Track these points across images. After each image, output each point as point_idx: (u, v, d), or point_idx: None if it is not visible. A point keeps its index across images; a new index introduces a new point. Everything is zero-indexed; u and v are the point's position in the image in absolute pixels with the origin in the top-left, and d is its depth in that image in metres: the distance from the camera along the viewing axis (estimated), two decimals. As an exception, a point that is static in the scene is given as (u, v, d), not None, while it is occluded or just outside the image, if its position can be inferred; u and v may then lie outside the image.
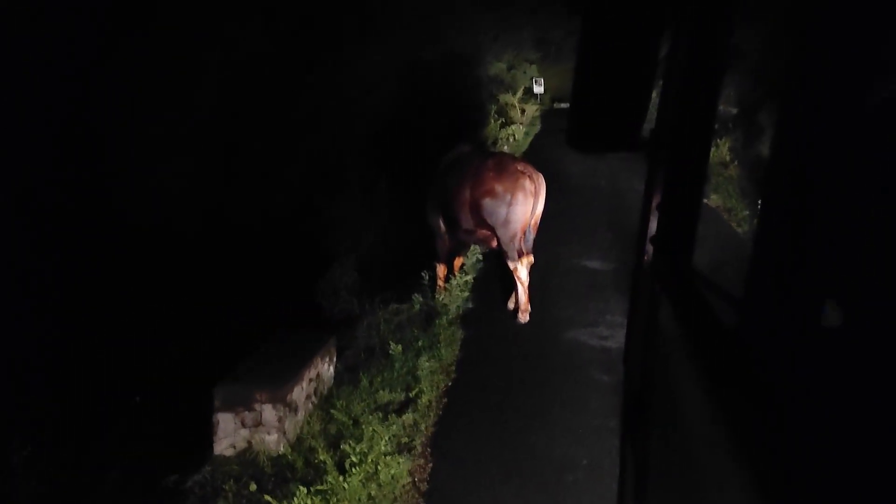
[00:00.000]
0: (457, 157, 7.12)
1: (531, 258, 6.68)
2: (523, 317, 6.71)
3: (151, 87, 8.53)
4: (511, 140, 15.43)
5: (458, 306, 6.77)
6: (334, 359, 5.51)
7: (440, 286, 7.06)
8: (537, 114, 18.38)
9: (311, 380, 4.96)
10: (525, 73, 20.67)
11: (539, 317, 6.65)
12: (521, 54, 21.68)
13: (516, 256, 6.47)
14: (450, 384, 5.56)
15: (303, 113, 9.77)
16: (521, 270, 6.56)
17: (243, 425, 4.51)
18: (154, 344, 6.48)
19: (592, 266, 7.99)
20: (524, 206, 6.29)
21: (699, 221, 1.49)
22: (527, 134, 16.69)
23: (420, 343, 6.03)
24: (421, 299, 6.85)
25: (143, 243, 7.66)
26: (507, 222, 6.31)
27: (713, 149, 13.12)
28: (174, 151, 8.75)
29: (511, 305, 6.80)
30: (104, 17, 8.03)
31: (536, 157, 14.68)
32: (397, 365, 5.68)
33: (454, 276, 7.10)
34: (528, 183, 6.29)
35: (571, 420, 5.00)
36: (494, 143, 14.76)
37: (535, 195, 6.35)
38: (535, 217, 6.50)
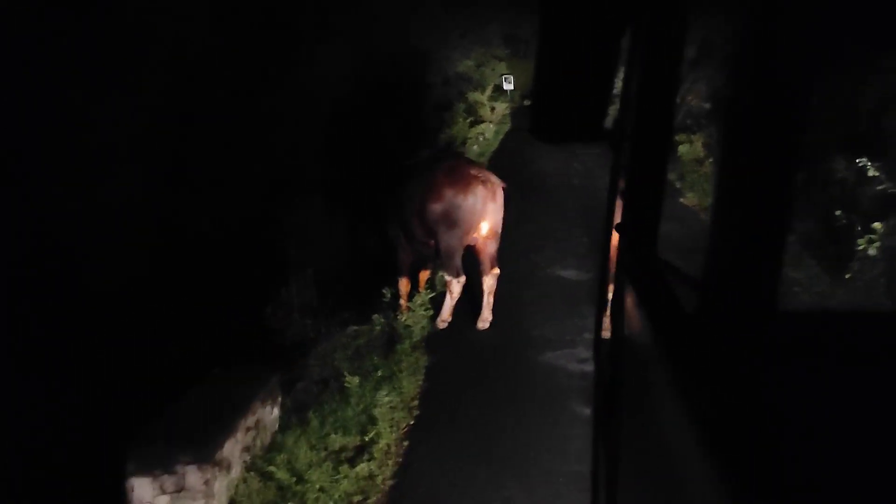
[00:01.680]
0: (415, 164, 6.38)
1: (496, 270, 5.94)
2: (482, 324, 6.05)
3: (87, 89, 7.63)
4: (481, 139, 14.65)
5: (423, 327, 5.97)
6: (279, 399, 4.69)
7: (402, 305, 6.27)
8: (507, 111, 17.59)
9: (248, 429, 4.14)
10: (494, 70, 19.87)
11: (511, 336, 5.88)
12: (490, 51, 20.89)
13: (455, 270, 5.76)
14: (412, 423, 4.75)
15: (258, 114, 8.90)
16: (456, 286, 5.93)
17: (163, 492, 3.67)
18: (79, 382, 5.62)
19: (568, 276, 7.21)
20: (472, 212, 5.59)
21: (662, 208, 1.47)
22: (497, 132, 15.91)
23: (379, 373, 5.23)
24: (382, 320, 6.05)
25: (78, 263, 6.78)
26: (450, 227, 5.60)
27: (687, 146, 12.47)
28: (116, 159, 7.85)
29: (480, 325, 6.02)
30: (29, 10, 7.10)
31: (507, 155, 13.92)
32: (353, 401, 4.87)
33: (419, 292, 6.31)
34: (480, 188, 5.58)
35: (550, 466, 4.22)
36: (464, 142, 13.97)
37: (489, 201, 5.63)
38: (492, 226, 5.78)
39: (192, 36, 8.66)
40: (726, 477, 0.73)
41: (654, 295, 1.24)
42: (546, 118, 1.58)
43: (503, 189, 5.80)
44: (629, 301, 1.48)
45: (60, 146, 7.50)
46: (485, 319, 6.00)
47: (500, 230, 5.87)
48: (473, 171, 5.65)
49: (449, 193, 5.56)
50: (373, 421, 4.58)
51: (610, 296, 1.82)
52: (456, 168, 5.70)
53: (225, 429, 3.91)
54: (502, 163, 13.02)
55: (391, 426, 4.62)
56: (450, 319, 6.06)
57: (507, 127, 16.73)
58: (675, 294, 1.15)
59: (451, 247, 5.70)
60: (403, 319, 5.95)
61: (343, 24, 11.14)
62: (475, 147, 13.95)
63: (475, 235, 5.76)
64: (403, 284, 6.39)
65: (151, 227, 7.82)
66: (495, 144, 15.03)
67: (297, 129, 9.37)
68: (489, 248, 5.85)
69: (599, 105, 1.47)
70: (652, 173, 1.49)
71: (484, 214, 5.65)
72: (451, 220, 5.59)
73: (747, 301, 0.89)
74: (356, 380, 5.02)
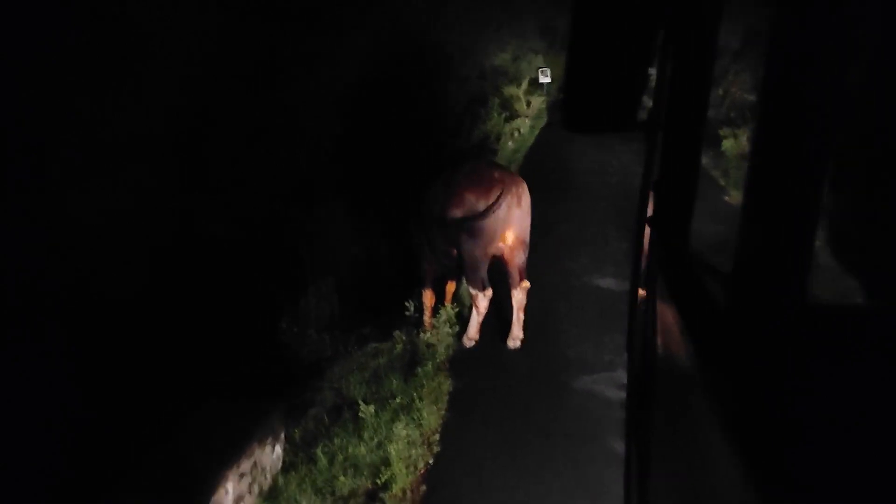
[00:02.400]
0: (440, 165, 5.82)
1: (526, 283, 5.34)
2: (513, 342, 5.46)
3: (99, 87, 7.21)
4: (516, 135, 13.99)
5: (448, 346, 5.40)
6: (282, 435, 4.16)
7: (426, 320, 5.72)
8: (543, 105, 16.86)
9: (242, 475, 3.62)
10: (530, 63, 19.14)
11: (544, 356, 5.29)
12: (526, 44, 20.18)
13: (479, 283, 5.19)
14: (431, 462, 4.20)
15: (278, 112, 8.40)
16: (482, 301, 5.34)
17: (141, 553, 3.19)
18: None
19: (605, 285, 6.57)
20: (495, 219, 5.01)
21: (695, 200, 1.39)
22: (533, 128, 15.21)
23: (398, 400, 4.69)
24: (403, 337, 5.50)
25: (84, 269, 6.36)
26: (471, 236, 5.04)
27: (732, 140, 11.69)
28: (128, 159, 7.42)
29: (511, 344, 5.43)
30: (40, 7, 6.68)
31: (542, 151, 13.26)
32: (367, 434, 4.33)
33: (444, 306, 5.74)
34: (500, 192, 4.99)
35: (585, 517, 3.66)
36: (499, 138, 13.34)
37: (514, 208, 5.07)
38: (518, 235, 5.20)
39: (209, 31, 8.20)
40: (755, 475, 0.72)
41: (685, 289, 1.21)
42: (578, 109, 1.52)
43: (529, 194, 5.22)
44: (660, 296, 1.42)
45: (71, 146, 7.12)
46: (515, 338, 5.42)
47: (527, 239, 5.27)
48: (497, 175, 5.07)
49: (470, 199, 5.00)
50: (387, 461, 4.03)
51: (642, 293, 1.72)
52: (478, 171, 5.13)
53: (216, 477, 3.40)
54: (537, 159, 12.38)
55: (408, 466, 4.06)
56: (477, 337, 5.49)
57: (543, 122, 16.03)
58: (706, 289, 1.14)
59: (475, 257, 5.13)
60: (426, 337, 5.40)
61: (371, 16, 10.60)
62: (510, 143, 13.31)
63: (500, 245, 5.18)
64: (428, 297, 5.84)
65: (164, 230, 7.40)
66: (531, 140, 14.35)
67: (319, 127, 8.86)
68: (517, 259, 5.27)
69: (633, 95, 1.42)
70: (685, 165, 1.42)
71: (508, 222, 5.07)
72: (471, 228, 5.03)
73: (778, 295, 0.84)
74: (371, 409, 4.48)
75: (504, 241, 5.15)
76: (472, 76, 16.41)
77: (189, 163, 7.89)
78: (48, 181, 7.03)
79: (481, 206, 4.96)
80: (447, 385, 4.97)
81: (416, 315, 5.74)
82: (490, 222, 4.98)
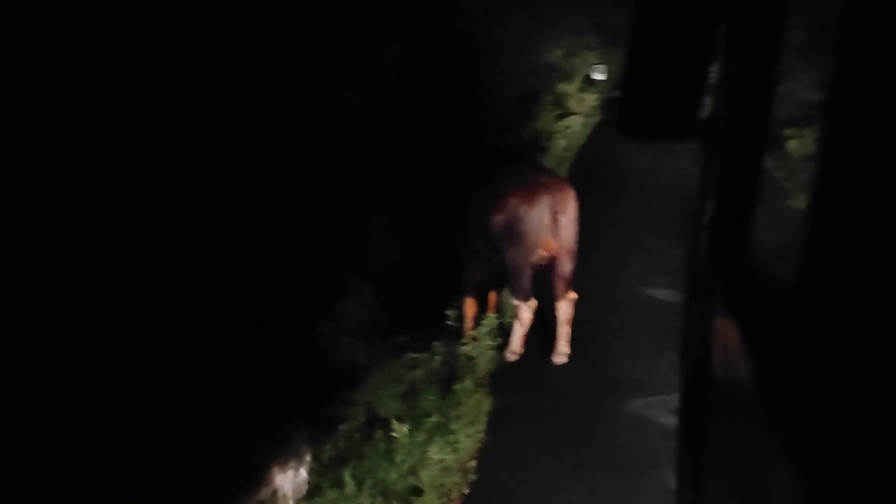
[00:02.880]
0: (484, 165, 5.44)
1: (573, 295, 4.93)
2: (558, 358, 5.05)
3: (145, 83, 7.04)
4: (568, 132, 13.52)
5: (489, 360, 5.04)
6: (307, 457, 3.85)
7: (468, 330, 5.37)
8: (597, 103, 16.33)
9: (261, 503, 3.33)
10: (584, 60, 18.59)
11: (591, 375, 4.88)
12: (581, 40, 19.59)
13: (523, 293, 4.81)
14: (465, 493, 3.84)
15: (322, 109, 8.12)
16: (525, 312, 4.95)
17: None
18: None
19: (660, 296, 6.11)
20: (538, 225, 4.64)
21: (757, 205, 1.28)
22: (585, 125, 14.71)
23: (433, 419, 4.34)
24: (443, 348, 5.16)
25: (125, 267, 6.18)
26: (513, 242, 4.68)
27: (797, 141, 11.02)
28: (173, 157, 7.23)
29: (556, 360, 5.04)
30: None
31: (594, 150, 12.77)
32: (399, 457, 4.00)
33: (486, 316, 5.37)
34: (548, 198, 4.63)
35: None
36: (550, 136, 12.89)
37: (560, 214, 4.67)
38: (564, 243, 4.78)
39: (257, 28, 7.98)
40: (810, 484, 0.71)
41: (744, 301, 1.17)
42: (635, 111, 1.44)
43: (577, 199, 4.82)
44: (719, 306, 1.35)
45: (118, 142, 6.98)
46: (561, 353, 5.02)
47: (574, 247, 4.86)
48: (542, 178, 4.68)
49: (512, 203, 4.63)
50: (419, 490, 3.70)
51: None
52: (522, 173, 4.76)
53: (230, 506, 3.10)
54: (588, 158, 11.92)
55: (440, 497, 3.72)
56: (520, 352, 5.11)
57: (595, 119, 15.50)
58: (767, 300, 1.10)
59: (517, 265, 4.75)
60: (466, 349, 5.04)
61: (419, 10, 10.27)
62: (562, 141, 12.85)
63: (544, 253, 4.79)
64: (469, 306, 5.48)
65: (202, 229, 7.20)
66: (583, 138, 13.87)
67: (365, 125, 8.56)
68: (563, 269, 4.86)
69: (694, 97, 1.34)
70: (746, 167, 1.33)
71: (553, 228, 4.67)
72: (515, 233, 4.66)
73: (839, 307, 0.77)
74: (405, 428, 4.15)
75: (548, 249, 4.76)
76: (523, 72, 15.97)
77: (231, 158, 7.68)
78: (93, 176, 6.89)
79: (523, 211, 4.59)
80: (486, 403, 4.60)
81: (457, 325, 5.38)
82: (532, 228, 4.62)
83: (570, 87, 15.87)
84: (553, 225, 4.64)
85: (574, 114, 14.81)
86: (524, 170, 4.83)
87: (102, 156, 6.75)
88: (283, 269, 6.43)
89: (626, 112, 1.45)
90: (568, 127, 13.76)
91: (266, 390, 4.81)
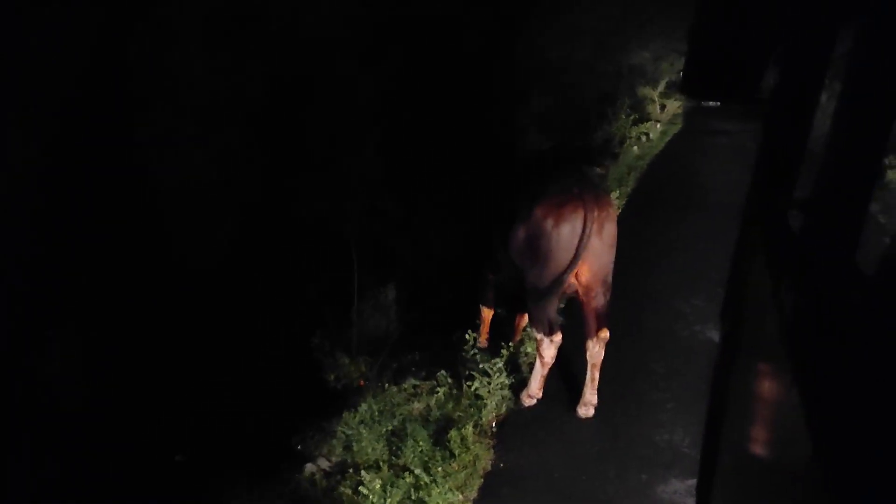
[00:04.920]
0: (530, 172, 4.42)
1: (605, 333, 3.85)
2: (584, 410, 3.99)
3: (195, 47, 6.38)
4: (643, 140, 12.24)
5: (500, 401, 4.04)
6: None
7: (482, 337, 4.53)
8: (680, 111, 14.88)
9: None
10: (672, 65, 17.10)
11: (625, 438, 3.82)
12: (670, 44, 18.09)
13: (545, 325, 3.78)
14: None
15: (386, 93, 7.29)
16: (548, 348, 3.88)
17: None
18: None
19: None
20: (566, 245, 3.61)
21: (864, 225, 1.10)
22: (664, 133, 13.34)
23: (415, 475, 3.39)
24: (449, 380, 4.20)
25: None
26: (535, 262, 3.70)
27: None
28: (217, 124, 6.52)
29: (581, 412, 4.00)
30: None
31: (669, 161, 11.46)
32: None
33: (505, 346, 4.38)
34: (580, 215, 3.59)
35: None
36: (622, 141, 11.69)
37: (593, 235, 3.61)
38: (596, 270, 3.74)
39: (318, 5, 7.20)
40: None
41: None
42: (698, 75, 1.32)
43: (615, 220, 3.78)
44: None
45: (160, 105, 6.35)
46: (587, 404, 3.97)
47: (609, 278, 3.78)
48: (577, 191, 3.64)
49: (537, 215, 3.63)
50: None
51: None
52: (560, 184, 3.73)
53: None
54: (662, 169, 10.64)
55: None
56: (538, 395, 4.09)
57: (677, 128, 14.09)
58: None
59: (539, 290, 3.74)
60: (475, 386, 4.05)
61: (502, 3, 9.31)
62: (635, 148, 11.59)
63: (572, 281, 3.75)
64: (486, 312, 4.60)
65: (248, 207, 6.48)
66: (660, 147, 12.52)
67: (427, 115, 7.63)
68: (595, 301, 3.80)
69: (754, 68, 0.93)
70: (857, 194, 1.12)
71: (584, 252, 3.62)
72: (537, 252, 3.67)
73: None
74: (377, 485, 3.22)
75: (578, 276, 3.73)
76: (607, 72, 14.74)
77: (274, 145, 6.92)
78: (133, 140, 6.30)
79: (549, 226, 3.58)
80: (486, 459, 3.62)
81: (473, 352, 4.42)
82: (560, 247, 3.60)
83: (652, 92, 14.50)
84: (584, 248, 3.59)
85: (653, 120, 13.48)
86: (564, 182, 3.78)
87: (143, 116, 6.18)
88: (295, 263, 5.60)
89: (689, 74, 2.17)
90: (645, 133, 12.48)
91: (242, 423, 4.01)
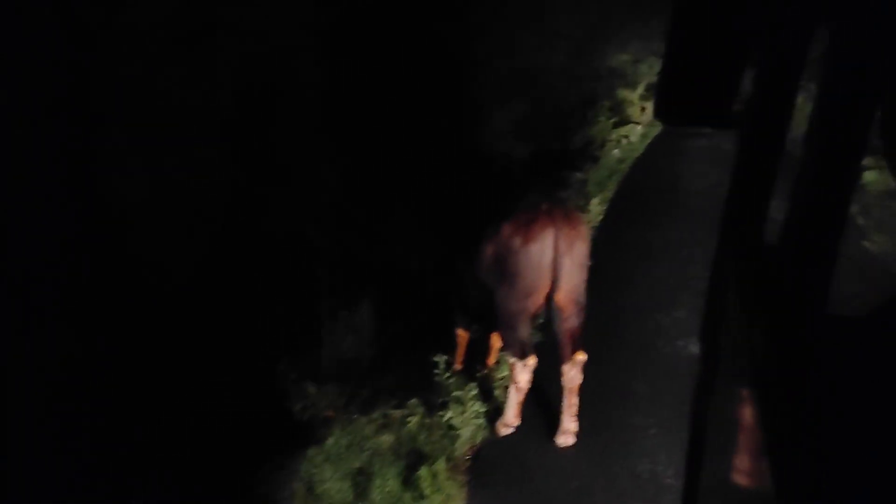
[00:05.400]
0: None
1: (581, 356, 3.62)
2: (563, 438, 3.75)
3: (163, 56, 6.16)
4: (624, 142, 12.06)
5: (475, 430, 3.81)
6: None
7: (456, 361, 4.28)
8: (660, 112, 14.79)
9: None
10: (651, 67, 16.98)
11: (608, 465, 3.60)
12: (649, 46, 17.97)
13: (517, 348, 3.57)
14: None
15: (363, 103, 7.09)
16: (521, 372, 3.65)
17: None
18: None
19: (706, 355, 4.76)
20: (536, 265, 3.43)
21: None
22: (644, 136, 13.19)
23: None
24: (421, 409, 3.95)
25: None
26: (503, 283, 3.52)
27: (876, 173, 9.31)
28: (186, 134, 6.29)
29: (560, 441, 3.77)
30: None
31: (650, 164, 11.28)
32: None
33: (480, 371, 4.14)
34: (550, 233, 3.41)
35: None
36: (603, 144, 11.52)
37: (564, 255, 3.43)
38: (567, 291, 3.53)
39: (285, 14, 6.99)
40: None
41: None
42: (670, 97, 1.33)
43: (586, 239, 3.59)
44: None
45: (125, 116, 6.13)
46: (566, 432, 3.73)
47: (582, 299, 3.58)
48: (545, 207, 3.45)
49: (505, 233, 3.43)
50: None
51: None
52: (531, 202, 3.54)
53: None
54: (643, 173, 10.45)
55: None
56: (515, 423, 3.85)
57: (657, 130, 13.96)
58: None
59: (509, 312, 3.54)
60: (447, 417, 3.81)
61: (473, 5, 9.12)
62: (615, 151, 11.40)
63: (543, 303, 3.54)
64: (462, 334, 4.38)
65: (224, 221, 6.25)
66: (640, 149, 12.36)
67: (401, 122, 7.42)
68: (567, 323, 3.58)
69: (728, 90, 1.24)
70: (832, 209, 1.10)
71: (555, 272, 3.41)
72: (505, 271, 3.46)
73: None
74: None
75: (549, 297, 3.52)
76: (586, 75, 14.63)
77: (252, 146, 6.70)
78: (98, 151, 6.07)
79: (517, 244, 3.37)
80: (458, 500, 3.38)
81: (447, 379, 4.17)
82: (529, 267, 3.39)
83: (632, 95, 14.35)
84: (554, 268, 3.39)
85: (633, 123, 13.34)
86: (535, 200, 3.58)
87: (108, 127, 5.99)
88: (262, 280, 5.35)
89: (661, 96, 1.35)
90: (625, 136, 12.31)
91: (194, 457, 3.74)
